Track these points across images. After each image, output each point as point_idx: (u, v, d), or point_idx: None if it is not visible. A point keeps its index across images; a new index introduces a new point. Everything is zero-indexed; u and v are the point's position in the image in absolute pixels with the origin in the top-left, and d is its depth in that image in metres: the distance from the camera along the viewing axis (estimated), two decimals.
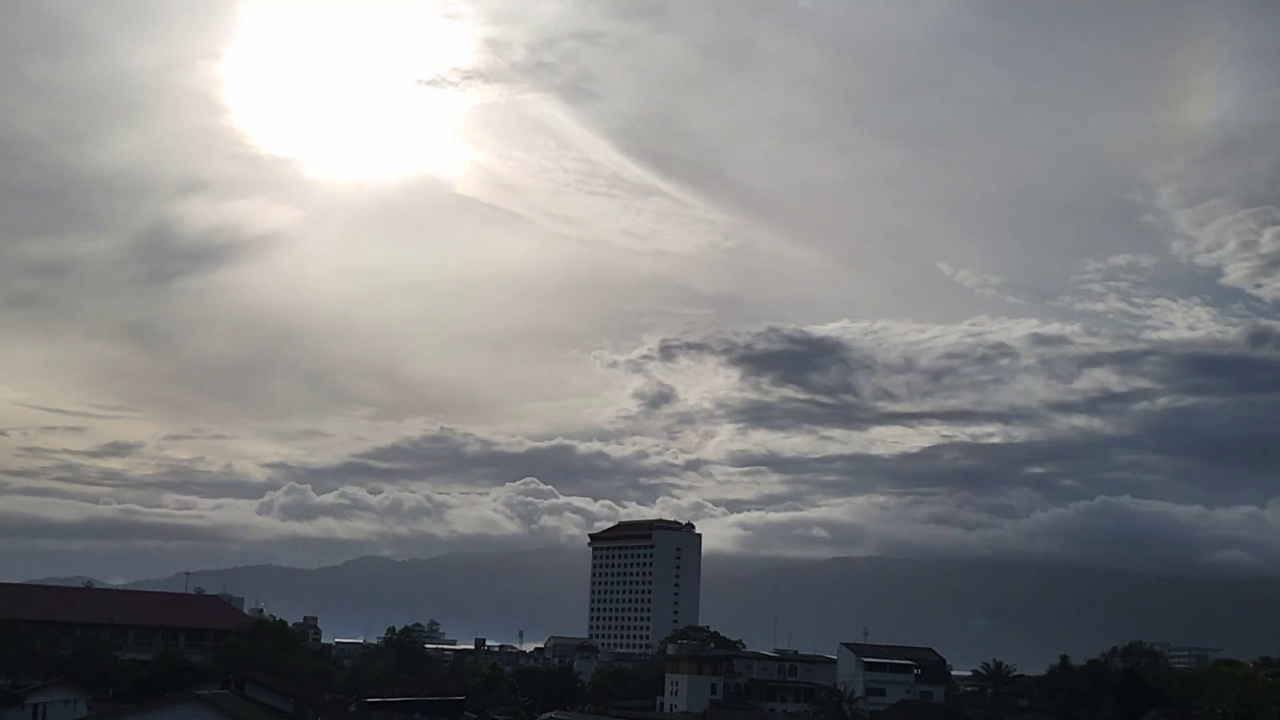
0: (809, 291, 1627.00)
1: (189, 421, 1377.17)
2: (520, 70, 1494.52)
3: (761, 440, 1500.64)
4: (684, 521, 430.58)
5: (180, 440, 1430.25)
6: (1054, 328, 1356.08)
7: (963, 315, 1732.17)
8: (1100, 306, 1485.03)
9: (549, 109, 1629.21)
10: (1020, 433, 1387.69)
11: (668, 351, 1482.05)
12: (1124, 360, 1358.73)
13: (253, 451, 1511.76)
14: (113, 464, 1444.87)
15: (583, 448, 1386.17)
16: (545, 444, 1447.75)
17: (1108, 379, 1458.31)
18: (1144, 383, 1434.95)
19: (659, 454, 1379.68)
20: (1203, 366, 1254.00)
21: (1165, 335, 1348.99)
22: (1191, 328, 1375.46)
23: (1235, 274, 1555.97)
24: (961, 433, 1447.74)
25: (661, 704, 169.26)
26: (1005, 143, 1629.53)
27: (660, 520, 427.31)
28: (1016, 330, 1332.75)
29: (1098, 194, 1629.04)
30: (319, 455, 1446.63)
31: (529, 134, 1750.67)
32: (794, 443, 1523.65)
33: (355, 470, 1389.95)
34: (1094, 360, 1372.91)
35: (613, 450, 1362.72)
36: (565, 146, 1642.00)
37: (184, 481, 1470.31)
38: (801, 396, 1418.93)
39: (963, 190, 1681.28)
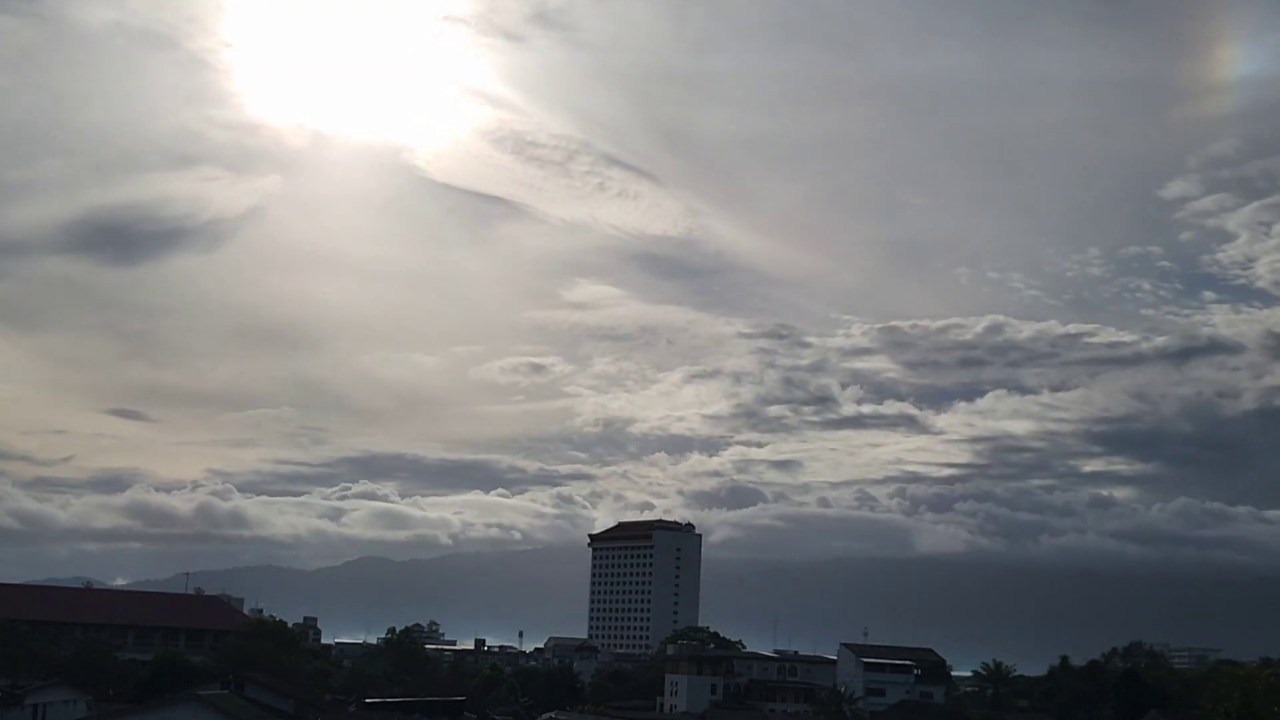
0: (795, 287, 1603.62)
1: (140, 424, 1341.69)
2: (521, 22, 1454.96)
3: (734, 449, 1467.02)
4: (684, 522, 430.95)
5: (126, 442, 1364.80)
6: (1054, 325, 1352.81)
7: (959, 312, 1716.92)
8: (1110, 307, 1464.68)
9: (540, 74, 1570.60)
10: (1022, 430, 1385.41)
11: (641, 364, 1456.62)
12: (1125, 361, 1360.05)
13: (193, 454, 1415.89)
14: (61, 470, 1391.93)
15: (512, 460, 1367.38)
16: (487, 456, 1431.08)
17: (1109, 380, 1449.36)
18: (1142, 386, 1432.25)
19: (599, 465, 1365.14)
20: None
21: (1164, 340, 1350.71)
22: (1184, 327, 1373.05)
23: (1246, 269, 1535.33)
24: (959, 436, 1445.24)
25: (661, 704, 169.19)
26: (1008, 129, 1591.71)
27: (660, 520, 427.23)
28: (1023, 330, 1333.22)
29: (1105, 183, 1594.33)
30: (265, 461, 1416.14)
31: (516, 111, 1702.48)
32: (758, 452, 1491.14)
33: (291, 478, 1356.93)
34: (1098, 360, 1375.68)
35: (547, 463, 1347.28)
36: (552, 125, 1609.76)
37: (118, 481, 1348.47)
38: (781, 404, 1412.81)
39: (961, 177, 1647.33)
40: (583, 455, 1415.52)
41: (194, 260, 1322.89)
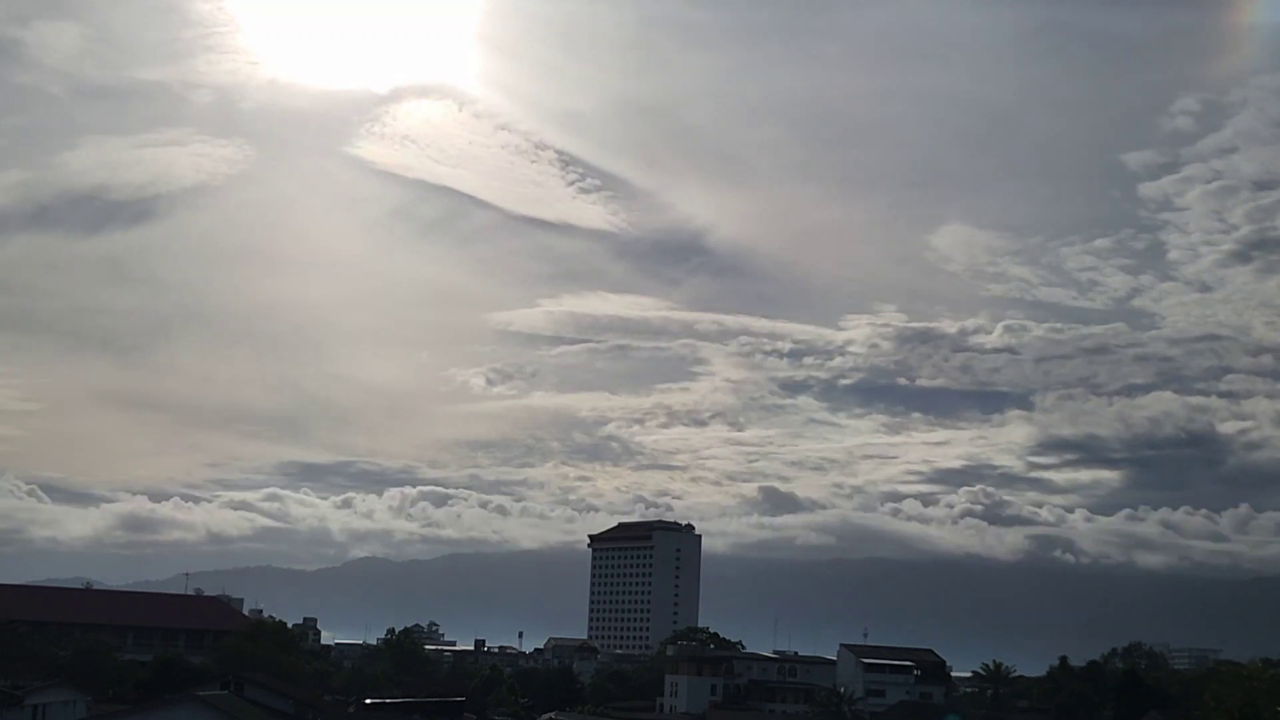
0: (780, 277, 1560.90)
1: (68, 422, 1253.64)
2: None
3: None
4: (685, 524, 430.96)
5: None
6: (1055, 324, 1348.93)
7: (959, 304, 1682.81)
8: (1093, 303, 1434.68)
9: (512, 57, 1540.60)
10: (1021, 433, 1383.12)
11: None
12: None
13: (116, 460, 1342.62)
14: None
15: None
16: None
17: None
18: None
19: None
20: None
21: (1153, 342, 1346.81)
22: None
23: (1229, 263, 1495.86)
24: (960, 437, 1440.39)
25: (661, 705, 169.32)
26: (997, 112, 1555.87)
27: (660, 521, 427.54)
28: (1022, 333, 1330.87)
29: (1094, 166, 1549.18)
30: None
31: (490, 102, 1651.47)
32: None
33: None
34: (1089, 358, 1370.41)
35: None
36: (521, 114, 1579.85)
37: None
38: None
39: (945, 159, 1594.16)
40: (551, 459, 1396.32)
41: (142, 238, 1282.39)
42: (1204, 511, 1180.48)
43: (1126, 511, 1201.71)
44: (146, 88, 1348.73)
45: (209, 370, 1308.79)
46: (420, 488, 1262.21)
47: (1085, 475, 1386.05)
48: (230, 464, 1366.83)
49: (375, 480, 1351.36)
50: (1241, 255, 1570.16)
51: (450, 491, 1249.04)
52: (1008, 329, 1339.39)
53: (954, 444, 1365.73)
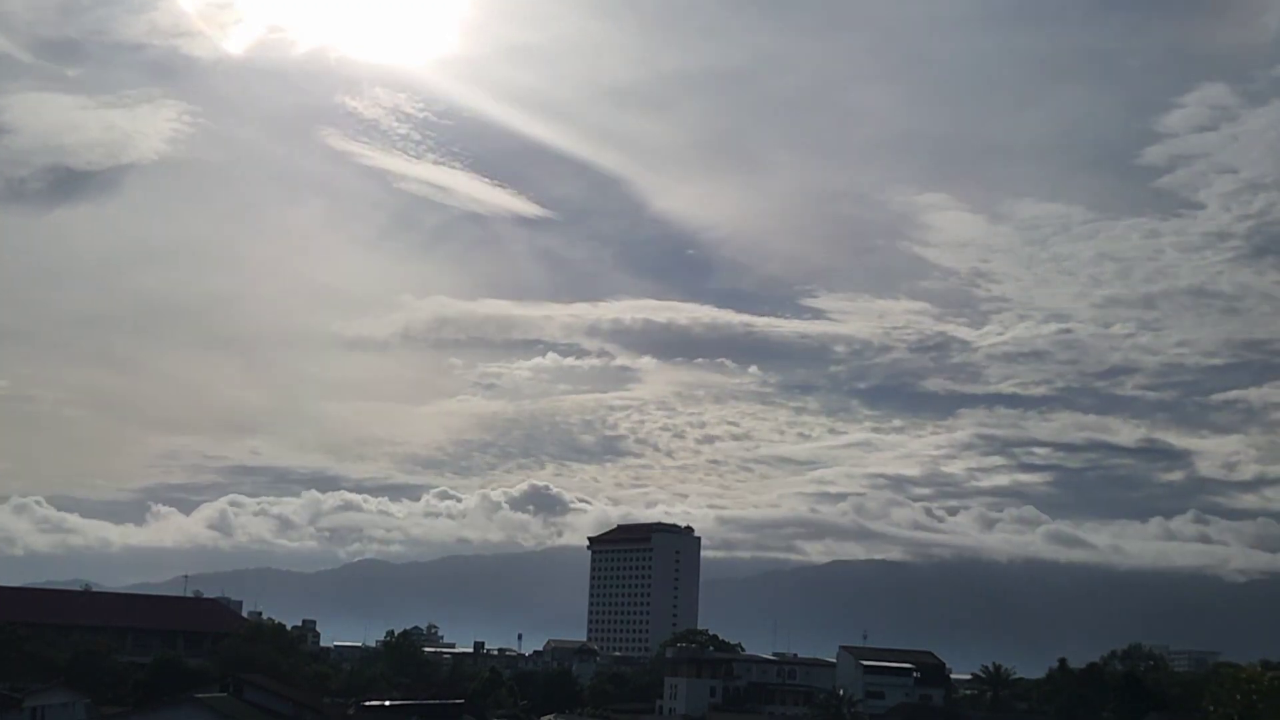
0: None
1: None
2: None
3: None
4: (683, 525, 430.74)
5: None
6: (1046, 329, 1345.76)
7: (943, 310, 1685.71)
8: (1094, 300, 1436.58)
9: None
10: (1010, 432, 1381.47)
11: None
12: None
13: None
14: None
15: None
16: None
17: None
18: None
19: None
20: None
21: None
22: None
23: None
24: (960, 438, 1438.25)
25: (660, 707, 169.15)
26: (996, 92, 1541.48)
27: (659, 523, 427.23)
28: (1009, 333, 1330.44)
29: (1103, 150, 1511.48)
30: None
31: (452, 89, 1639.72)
32: None
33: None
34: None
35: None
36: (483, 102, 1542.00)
37: None
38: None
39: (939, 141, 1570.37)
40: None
41: (107, 218, 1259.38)
42: (1201, 518, 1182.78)
43: (1128, 514, 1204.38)
44: (114, 49, 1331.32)
45: (183, 371, 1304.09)
46: (416, 489, 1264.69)
47: (1084, 476, 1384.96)
48: (220, 465, 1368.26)
49: (372, 482, 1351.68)
50: (1254, 253, 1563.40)
51: (445, 493, 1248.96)
52: (1010, 329, 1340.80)
53: (951, 444, 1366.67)
